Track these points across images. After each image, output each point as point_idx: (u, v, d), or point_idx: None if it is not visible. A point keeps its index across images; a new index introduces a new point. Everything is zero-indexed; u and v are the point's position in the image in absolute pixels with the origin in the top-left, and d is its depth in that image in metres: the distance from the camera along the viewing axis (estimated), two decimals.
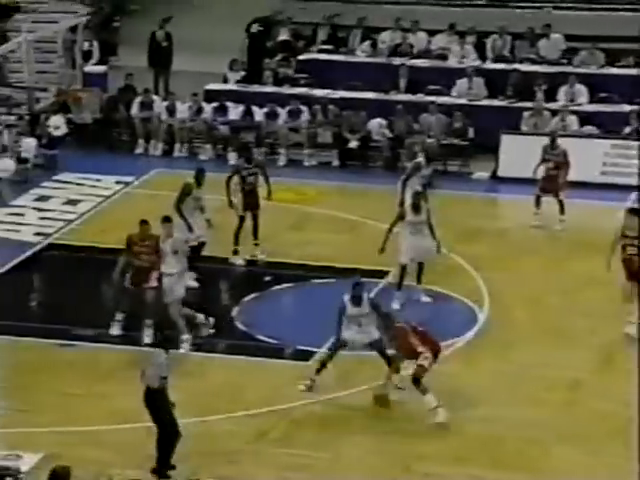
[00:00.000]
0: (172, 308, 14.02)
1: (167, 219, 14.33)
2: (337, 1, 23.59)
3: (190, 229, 15.53)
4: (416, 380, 12.38)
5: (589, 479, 11.70)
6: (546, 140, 18.35)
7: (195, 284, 15.51)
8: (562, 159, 17.90)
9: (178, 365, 13.67)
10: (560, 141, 18.52)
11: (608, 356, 14.14)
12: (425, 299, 15.24)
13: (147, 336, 13.97)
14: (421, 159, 17.18)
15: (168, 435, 11.31)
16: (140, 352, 14.01)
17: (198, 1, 24.18)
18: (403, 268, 15.14)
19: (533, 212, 17.90)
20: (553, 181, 17.84)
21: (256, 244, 16.72)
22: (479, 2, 23.61)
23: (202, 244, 15.78)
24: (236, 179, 16.66)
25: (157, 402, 11.37)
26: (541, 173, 17.93)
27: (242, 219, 16.52)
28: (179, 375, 13.58)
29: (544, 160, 17.92)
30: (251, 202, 16.50)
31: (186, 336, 14.01)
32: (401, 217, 15.21)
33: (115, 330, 14.25)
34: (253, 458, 11.79)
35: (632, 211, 14.89)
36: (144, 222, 14.29)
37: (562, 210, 17.76)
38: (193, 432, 11.82)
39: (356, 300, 12.96)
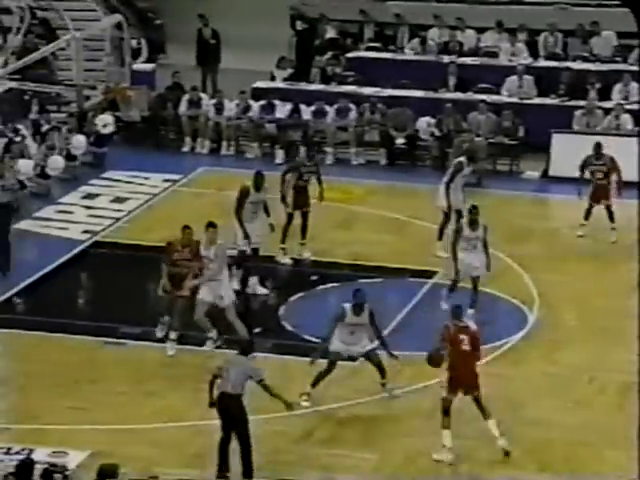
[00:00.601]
0: (228, 313, 14.04)
1: (212, 224, 14.16)
2: (380, 0, 23.54)
3: (246, 236, 15.43)
4: (444, 411, 12.04)
5: None
6: (594, 140, 18.12)
7: (264, 290, 15.59)
8: (610, 166, 17.55)
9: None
10: (611, 142, 18.34)
11: None
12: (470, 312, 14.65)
13: (170, 341, 14.02)
14: (463, 159, 17.07)
15: (249, 444, 11.30)
16: (187, 351, 14.15)
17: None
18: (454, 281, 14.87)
19: (580, 223, 17.51)
20: (603, 190, 17.45)
21: (302, 244, 16.78)
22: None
23: (255, 250, 15.67)
24: (290, 176, 16.67)
25: (237, 408, 11.35)
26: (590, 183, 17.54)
27: (291, 217, 16.56)
28: None
29: (590, 171, 17.53)
30: (301, 200, 16.54)
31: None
32: (457, 232, 14.89)
33: (159, 333, 14.31)
34: (299, 458, 11.84)
35: None
36: (186, 227, 14.15)
37: (612, 219, 17.35)
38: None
39: (357, 309, 12.81)
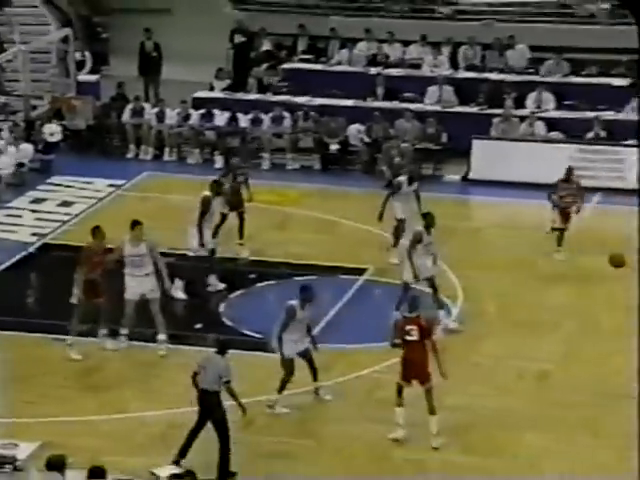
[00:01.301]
0: (153, 305, 13.91)
1: (137, 222, 14.01)
2: (312, 14, 23.55)
3: (202, 245, 15.35)
4: (397, 392, 12.07)
5: (558, 465, 11.70)
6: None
7: (221, 285, 15.50)
8: (578, 191, 16.77)
9: (173, 358, 13.69)
10: (526, 147, 18.35)
11: (574, 348, 14.17)
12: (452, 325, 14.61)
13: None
14: (403, 179, 16.71)
15: (227, 436, 11.23)
16: (132, 347, 13.99)
17: (178, 12, 24.06)
18: (406, 286, 14.51)
19: (555, 250, 16.48)
20: (568, 214, 16.59)
21: (241, 244, 16.67)
22: (447, 15, 23.57)
23: (213, 251, 15.62)
24: (224, 179, 16.59)
25: (214, 404, 11.29)
26: (557, 205, 16.63)
27: (224, 217, 16.43)
28: (171, 368, 13.59)
29: (559, 195, 16.62)
30: (235, 201, 16.45)
31: (163, 336, 13.91)
32: (418, 241, 14.50)
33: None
34: (241, 445, 11.74)
35: None
36: (97, 227, 14.10)
37: (560, 241, 16.52)
38: (187, 421, 11.77)
39: (304, 304, 12.66)
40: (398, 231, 16.34)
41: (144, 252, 13.87)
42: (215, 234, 16.14)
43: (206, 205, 15.44)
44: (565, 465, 11.66)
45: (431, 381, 11.98)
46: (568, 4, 22.94)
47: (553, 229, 16.72)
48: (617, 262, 12.18)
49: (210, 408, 11.32)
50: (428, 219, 14.73)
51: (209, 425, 11.38)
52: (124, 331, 14.01)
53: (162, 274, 13.97)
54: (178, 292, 15.29)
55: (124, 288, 13.94)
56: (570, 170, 16.98)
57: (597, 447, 11.89)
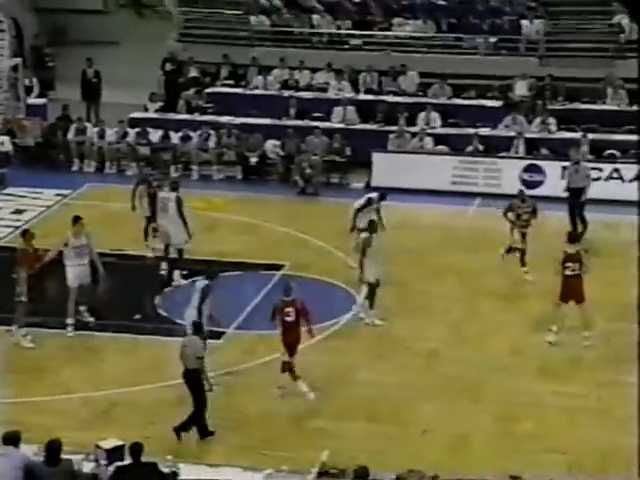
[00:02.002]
0: (72, 294, 13.67)
1: (79, 217, 14.06)
2: (233, 45, 23.50)
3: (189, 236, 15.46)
4: (284, 371, 12.16)
5: (446, 429, 11.82)
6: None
7: (183, 282, 15.30)
8: (532, 211, 15.63)
9: (116, 345, 13.49)
10: (417, 159, 18.31)
11: (459, 330, 14.33)
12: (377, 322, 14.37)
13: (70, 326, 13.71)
14: (374, 195, 16.27)
15: (201, 408, 11.19)
16: (82, 335, 13.74)
17: (124, 44, 23.85)
18: (370, 285, 14.35)
19: (524, 271, 15.45)
20: (525, 234, 15.58)
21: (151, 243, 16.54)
22: (350, 46, 23.71)
23: (180, 251, 15.60)
24: (141, 187, 16.51)
25: (194, 380, 11.22)
26: (514, 226, 15.56)
27: (149, 219, 16.37)
28: (115, 353, 13.38)
29: (517, 214, 15.60)
30: (154, 204, 16.36)
31: (71, 320, 13.70)
32: (368, 245, 14.28)
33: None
34: (174, 420, 11.60)
35: None
36: (26, 230, 13.99)
37: (523, 261, 15.53)
38: (128, 399, 11.57)
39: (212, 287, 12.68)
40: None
41: (84, 243, 13.78)
42: (146, 236, 16.06)
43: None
44: (454, 428, 11.78)
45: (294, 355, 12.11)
46: (457, 37, 23.22)
47: (511, 249, 15.51)
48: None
49: (189, 384, 11.29)
50: (371, 226, 14.62)
51: (150, 397, 11.21)
52: (70, 320, 13.72)
53: (96, 263, 13.79)
54: (180, 280, 15.23)
55: (66, 278, 13.67)
56: (522, 192, 15.89)
57: (478, 411, 12.04)
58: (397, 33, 23.44)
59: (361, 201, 16.41)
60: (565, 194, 17.93)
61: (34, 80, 23.31)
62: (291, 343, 12.14)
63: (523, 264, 15.63)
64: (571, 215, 17.58)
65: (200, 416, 11.32)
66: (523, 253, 15.67)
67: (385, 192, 16.57)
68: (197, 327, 11.73)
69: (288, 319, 12.11)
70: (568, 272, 13.67)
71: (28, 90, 23.04)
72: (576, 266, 13.65)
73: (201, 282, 12.77)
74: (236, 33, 23.90)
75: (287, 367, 12.08)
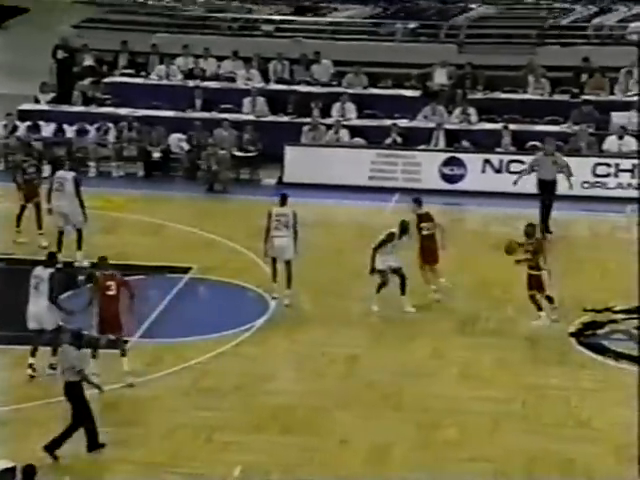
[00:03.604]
0: None
1: None
2: (132, 31, 23.27)
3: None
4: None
5: (364, 439, 11.92)
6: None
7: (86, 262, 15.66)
8: (537, 246, 14.46)
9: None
10: (332, 152, 18.51)
11: (379, 334, 14.48)
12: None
13: None
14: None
15: (80, 423, 11.22)
16: None
17: (13, 29, 23.40)
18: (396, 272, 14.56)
19: (433, 289, 15.15)
20: (432, 252, 15.18)
21: (41, 234, 16.65)
22: (259, 32, 23.76)
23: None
24: (18, 175, 16.88)
25: (74, 394, 11.26)
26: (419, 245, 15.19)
27: (23, 207, 16.76)
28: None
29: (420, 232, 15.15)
30: (30, 192, 16.71)
31: None
32: (389, 240, 14.50)
33: None
34: (77, 433, 11.46)
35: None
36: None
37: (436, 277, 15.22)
38: (13, 418, 11.36)
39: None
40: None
41: None
42: (18, 224, 16.61)
43: None
44: (372, 437, 11.90)
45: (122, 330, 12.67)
46: (375, 23, 23.46)
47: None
48: (509, 249, 13.01)
49: (71, 397, 11.29)
50: (403, 225, 14.75)
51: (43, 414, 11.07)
52: None
53: None
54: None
55: None
56: (532, 226, 14.74)
57: (398, 420, 12.20)
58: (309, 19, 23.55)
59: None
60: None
61: None
62: (106, 318, 12.70)
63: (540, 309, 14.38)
64: (542, 209, 17.57)
65: (88, 428, 11.26)
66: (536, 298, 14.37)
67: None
68: (74, 336, 11.69)
69: (109, 293, 12.68)
70: (424, 232, 14.56)
71: None
72: (430, 225, 14.62)
73: (44, 271, 12.92)
74: (135, 17, 23.71)
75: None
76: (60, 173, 16.25)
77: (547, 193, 17.82)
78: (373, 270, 14.81)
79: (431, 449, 11.58)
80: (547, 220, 17.63)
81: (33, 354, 12.87)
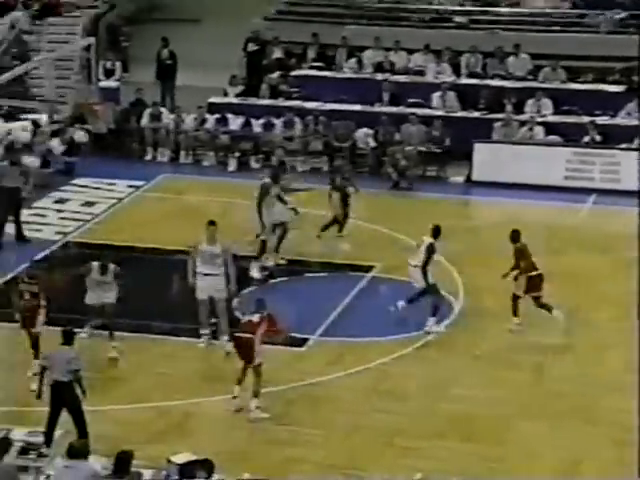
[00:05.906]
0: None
1: (212, 222, 13.92)
2: (322, 23, 23.64)
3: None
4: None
5: (550, 451, 11.75)
6: None
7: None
8: None
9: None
10: (526, 150, 18.18)
11: (568, 341, 14.20)
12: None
13: None
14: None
15: (83, 422, 11.28)
16: (147, 339, 14.09)
17: (206, 23, 24.25)
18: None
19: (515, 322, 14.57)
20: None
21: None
22: (451, 24, 23.69)
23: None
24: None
25: (68, 395, 11.29)
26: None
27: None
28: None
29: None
30: None
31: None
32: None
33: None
34: (257, 431, 11.79)
35: None
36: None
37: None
38: (202, 410, 11.79)
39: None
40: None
41: (218, 252, 13.68)
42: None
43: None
44: (560, 451, 11.68)
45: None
46: (580, 14, 22.93)
47: None
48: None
49: (65, 398, 11.26)
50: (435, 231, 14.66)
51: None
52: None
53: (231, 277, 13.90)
54: (255, 272, 15.55)
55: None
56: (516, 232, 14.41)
57: (591, 434, 11.92)
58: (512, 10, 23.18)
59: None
60: None
61: (116, 63, 23.72)
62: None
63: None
64: None
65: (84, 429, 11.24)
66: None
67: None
68: (66, 335, 11.60)
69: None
70: None
71: (108, 73, 23.51)
72: None
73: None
74: (325, 10, 24.07)
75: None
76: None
77: None
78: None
79: (626, 468, 11.25)
80: None
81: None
